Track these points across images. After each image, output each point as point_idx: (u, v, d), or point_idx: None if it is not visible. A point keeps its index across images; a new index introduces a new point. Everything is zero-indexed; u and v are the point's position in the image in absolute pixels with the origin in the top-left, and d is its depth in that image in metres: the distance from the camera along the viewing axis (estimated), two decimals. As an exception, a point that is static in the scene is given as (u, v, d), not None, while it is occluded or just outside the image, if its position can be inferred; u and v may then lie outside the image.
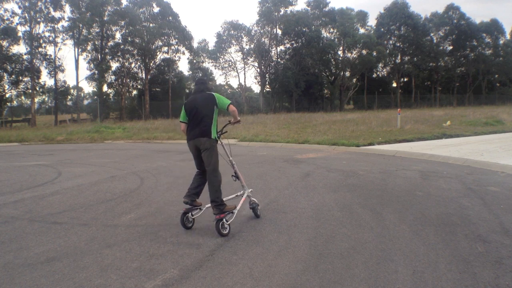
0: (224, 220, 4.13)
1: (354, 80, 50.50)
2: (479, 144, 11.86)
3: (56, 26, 35.28)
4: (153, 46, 40.37)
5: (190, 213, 4.41)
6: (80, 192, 6.49)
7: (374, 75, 52.54)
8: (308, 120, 25.04)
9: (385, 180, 6.96)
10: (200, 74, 46.78)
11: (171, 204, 5.53)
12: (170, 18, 40.99)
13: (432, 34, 49.34)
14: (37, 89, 36.81)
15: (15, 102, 45.47)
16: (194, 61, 45.41)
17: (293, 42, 46.02)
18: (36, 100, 45.60)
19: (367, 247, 3.71)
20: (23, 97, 42.94)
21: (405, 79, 52.64)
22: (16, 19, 33.79)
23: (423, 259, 3.41)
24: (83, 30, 35.88)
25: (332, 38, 47.02)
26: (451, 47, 50.02)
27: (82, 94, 43.65)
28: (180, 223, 4.35)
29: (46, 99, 54.64)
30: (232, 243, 3.87)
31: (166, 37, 40.82)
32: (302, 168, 8.50)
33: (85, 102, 44.05)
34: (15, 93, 38.37)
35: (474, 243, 3.78)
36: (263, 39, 46.40)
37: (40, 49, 35.06)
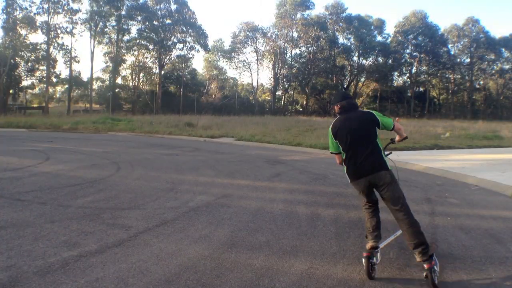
0: (435, 267, 3.02)
1: (369, 86, 50.22)
2: (468, 156, 11.83)
3: (73, 17, 36.55)
4: (169, 43, 41.19)
5: (374, 258, 3.21)
6: (56, 176, 6.96)
7: (389, 83, 52.02)
8: (312, 124, 25.15)
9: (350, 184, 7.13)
10: (215, 72, 47.28)
11: (129, 191, 5.92)
12: (186, 15, 41.75)
13: (450, 46, 48.60)
14: (52, 78, 38.08)
15: (37, 89, 47.02)
16: (209, 59, 46.08)
17: (308, 45, 46.13)
18: (57, 89, 47.20)
19: (281, 242, 3.95)
20: (43, 85, 44.52)
21: (421, 89, 51.94)
22: (34, 9, 35.11)
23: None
24: (100, 23, 36.98)
25: (348, 44, 46.94)
26: (468, 60, 49.14)
27: (96, 86, 44.95)
28: (366, 273, 3.15)
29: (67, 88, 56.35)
30: (161, 228, 4.20)
31: (182, 34, 41.59)
32: (278, 168, 8.76)
33: (99, 93, 45.26)
34: (35, 81, 39.83)
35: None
36: (279, 42, 46.71)
37: (57, 39, 36.33)
